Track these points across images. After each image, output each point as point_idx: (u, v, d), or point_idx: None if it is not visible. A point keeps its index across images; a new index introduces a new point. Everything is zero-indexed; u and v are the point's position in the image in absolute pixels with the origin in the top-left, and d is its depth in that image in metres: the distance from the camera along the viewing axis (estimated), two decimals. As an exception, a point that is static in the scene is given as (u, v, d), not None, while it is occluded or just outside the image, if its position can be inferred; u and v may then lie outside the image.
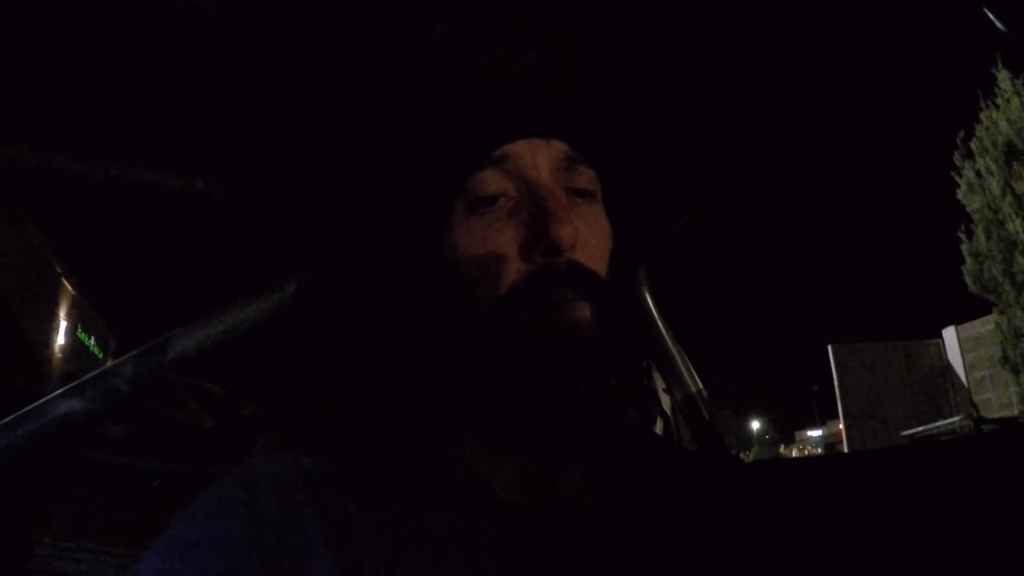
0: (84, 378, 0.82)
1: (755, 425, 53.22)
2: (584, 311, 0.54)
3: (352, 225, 0.79)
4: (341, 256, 0.84)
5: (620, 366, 0.57)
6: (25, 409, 0.80)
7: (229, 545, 0.46)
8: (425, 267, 0.59)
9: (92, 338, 16.68)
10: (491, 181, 0.58)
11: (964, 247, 15.79)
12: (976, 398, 19.45)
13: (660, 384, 1.22)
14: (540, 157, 0.59)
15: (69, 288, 14.84)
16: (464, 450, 0.56)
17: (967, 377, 19.97)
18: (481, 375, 0.54)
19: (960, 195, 15.98)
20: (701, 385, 1.20)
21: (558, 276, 0.54)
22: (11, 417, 0.79)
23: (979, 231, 15.53)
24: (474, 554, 0.49)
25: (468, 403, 0.56)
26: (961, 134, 15.85)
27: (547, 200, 0.57)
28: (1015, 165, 14.81)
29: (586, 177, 0.62)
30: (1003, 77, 15.02)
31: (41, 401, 0.80)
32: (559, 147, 0.61)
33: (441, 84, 0.75)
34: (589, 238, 0.59)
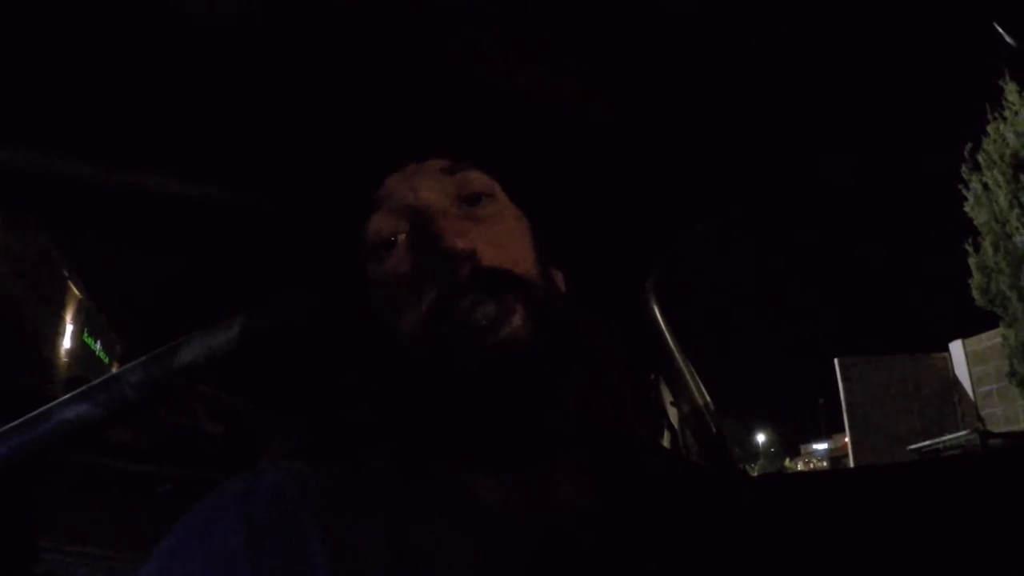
0: (92, 383, 0.82)
1: (760, 438, 52.97)
2: (513, 324, 0.53)
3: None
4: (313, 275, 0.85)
5: (575, 364, 0.55)
6: (32, 414, 0.80)
7: (227, 556, 0.46)
8: (357, 314, 0.59)
9: (98, 342, 16.72)
10: (382, 224, 0.58)
11: (971, 260, 15.74)
12: (983, 412, 19.34)
13: (667, 397, 1.22)
14: (416, 181, 0.59)
15: (76, 292, 14.90)
16: (461, 464, 0.55)
17: (974, 391, 19.87)
18: (428, 406, 0.54)
19: (967, 208, 15.95)
20: (708, 398, 1.20)
21: (465, 288, 0.53)
22: (18, 421, 0.79)
23: (986, 244, 15.49)
24: (472, 568, 0.49)
25: (427, 427, 0.56)
26: (968, 146, 15.83)
27: (432, 221, 0.56)
28: (1022, 178, 14.77)
29: (477, 180, 0.61)
30: (1011, 90, 14.99)
31: (48, 406, 0.80)
32: (435, 164, 0.60)
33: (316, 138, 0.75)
34: (495, 239, 0.57)
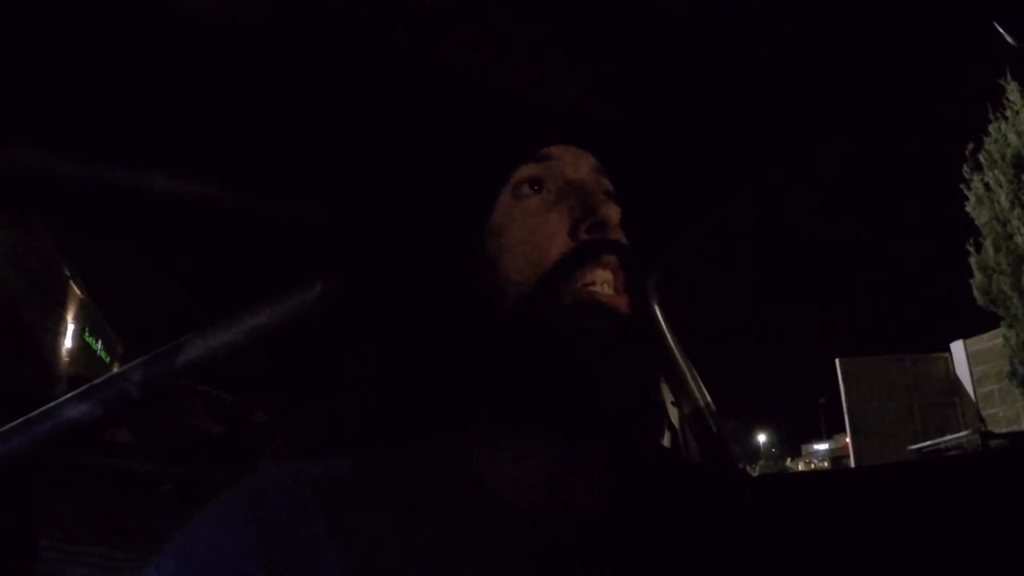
0: (94, 382, 0.82)
1: (761, 438, 52.98)
2: (623, 304, 0.56)
3: (373, 229, 0.79)
4: (355, 261, 0.85)
5: (646, 360, 0.58)
6: (33, 413, 0.80)
7: (238, 558, 0.46)
8: (466, 259, 0.59)
9: (99, 342, 16.73)
10: (537, 172, 0.61)
11: (972, 260, 15.73)
12: (984, 412, 19.33)
13: (668, 397, 1.22)
14: (579, 160, 0.63)
15: (77, 291, 14.91)
16: (473, 456, 0.55)
17: (975, 391, 19.86)
18: (515, 357, 0.54)
19: (969, 208, 15.93)
20: (709, 398, 1.20)
21: (605, 245, 0.56)
22: (19, 420, 0.79)
23: (987, 244, 15.47)
24: (483, 563, 0.49)
25: (490, 398, 0.56)
26: (970, 146, 15.82)
27: (591, 190, 0.60)
28: (1024, 178, 14.77)
29: (610, 187, 0.65)
30: (1012, 89, 14.99)
31: (50, 405, 0.80)
32: (591, 157, 0.64)
33: (493, 91, 0.78)
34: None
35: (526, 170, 0.60)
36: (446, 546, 0.49)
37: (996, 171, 15.25)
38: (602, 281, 0.55)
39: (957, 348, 20.49)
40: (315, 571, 0.46)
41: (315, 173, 0.91)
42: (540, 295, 0.55)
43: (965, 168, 15.93)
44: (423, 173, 0.66)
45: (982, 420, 18.89)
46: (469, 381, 0.57)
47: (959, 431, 17.57)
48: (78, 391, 0.81)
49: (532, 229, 0.57)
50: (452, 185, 0.62)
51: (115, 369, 0.89)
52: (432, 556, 0.48)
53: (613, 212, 0.57)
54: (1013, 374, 15.47)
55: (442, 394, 0.58)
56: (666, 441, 1.23)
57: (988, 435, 13.72)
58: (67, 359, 14.54)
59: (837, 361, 21.62)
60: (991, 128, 15.45)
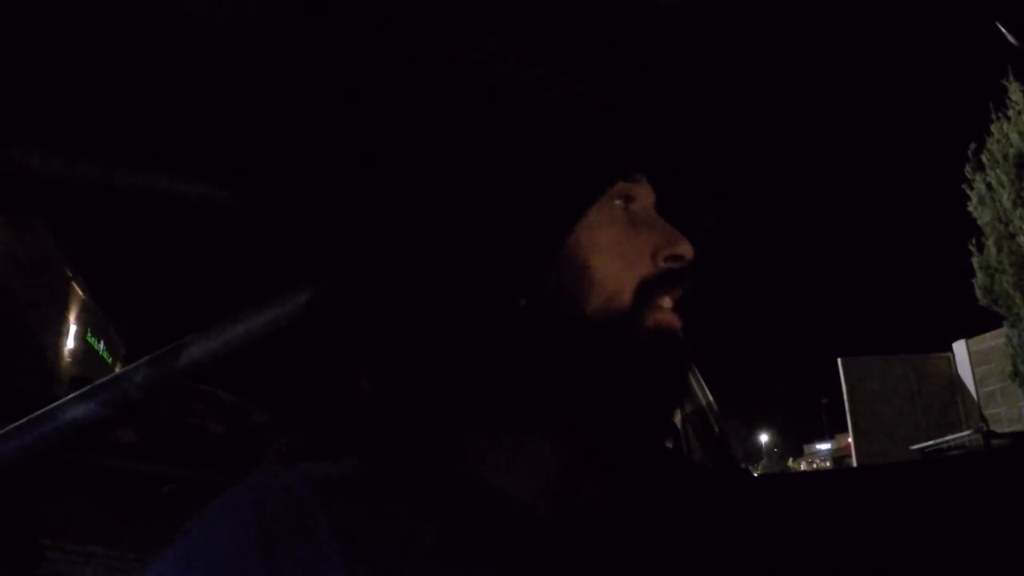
0: (96, 383, 0.82)
1: (763, 438, 52.96)
2: (680, 324, 0.60)
3: (385, 227, 0.79)
4: (360, 260, 0.84)
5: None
6: (36, 413, 0.80)
7: (240, 560, 0.45)
8: (550, 253, 0.60)
9: (101, 342, 16.76)
10: (629, 190, 0.63)
11: (975, 260, 15.73)
12: (986, 412, 19.33)
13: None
14: (650, 191, 0.66)
15: (79, 292, 14.94)
16: (479, 456, 0.55)
17: (977, 391, 19.86)
18: (587, 356, 0.56)
19: (971, 207, 15.93)
20: (711, 397, 1.20)
21: (684, 278, 0.61)
22: (22, 421, 0.79)
23: (990, 244, 15.47)
24: (489, 562, 0.49)
25: (499, 397, 0.56)
26: (972, 146, 15.81)
27: (665, 222, 0.64)
28: (1026, 178, 14.76)
29: None
30: (1014, 89, 14.97)
31: (52, 406, 0.80)
32: (653, 193, 0.68)
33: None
34: None
35: (623, 186, 0.63)
36: (452, 546, 0.49)
37: (998, 171, 15.25)
38: (668, 307, 0.59)
39: (959, 348, 20.49)
40: (318, 573, 0.46)
41: (321, 174, 0.91)
42: (630, 307, 0.58)
43: (967, 168, 15.93)
44: (504, 167, 0.66)
45: (984, 420, 18.88)
46: (476, 380, 0.57)
47: (961, 431, 17.56)
48: (80, 392, 0.81)
49: (624, 241, 0.60)
50: (553, 182, 0.64)
51: (117, 370, 0.89)
52: (438, 556, 0.48)
53: (690, 249, 0.61)
54: (1015, 374, 15.47)
55: (447, 394, 0.58)
56: (667, 441, 1.23)
57: (990, 434, 13.74)
58: (69, 360, 14.57)
59: (839, 361, 21.62)
60: (993, 128, 15.45)
